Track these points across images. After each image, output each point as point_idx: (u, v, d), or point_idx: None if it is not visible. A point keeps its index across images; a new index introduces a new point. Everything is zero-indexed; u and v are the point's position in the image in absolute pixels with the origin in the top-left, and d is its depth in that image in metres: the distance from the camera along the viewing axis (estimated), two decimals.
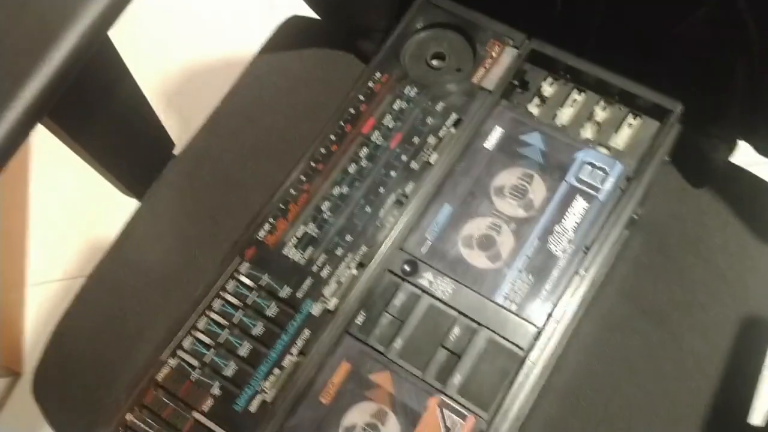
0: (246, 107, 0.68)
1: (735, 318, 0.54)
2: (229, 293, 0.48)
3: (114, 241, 0.64)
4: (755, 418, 0.52)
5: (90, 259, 1.05)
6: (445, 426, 0.43)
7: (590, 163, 0.49)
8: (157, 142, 0.67)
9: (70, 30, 0.44)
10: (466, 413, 0.44)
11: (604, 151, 0.50)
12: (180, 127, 0.72)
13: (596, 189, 0.48)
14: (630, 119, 0.51)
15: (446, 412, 0.44)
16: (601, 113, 0.51)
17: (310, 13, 0.70)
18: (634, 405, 0.51)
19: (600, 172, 0.48)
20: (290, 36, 0.72)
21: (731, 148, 0.57)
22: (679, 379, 0.52)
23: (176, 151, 0.68)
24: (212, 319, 0.47)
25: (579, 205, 0.48)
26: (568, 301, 0.45)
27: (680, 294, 0.55)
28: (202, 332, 0.47)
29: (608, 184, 0.48)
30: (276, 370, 0.45)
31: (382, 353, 0.45)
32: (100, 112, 0.57)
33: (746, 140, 0.56)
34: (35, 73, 0.43)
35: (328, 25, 0.71)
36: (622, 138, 0.50)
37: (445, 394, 0.44)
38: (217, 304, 0.47)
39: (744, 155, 0.58)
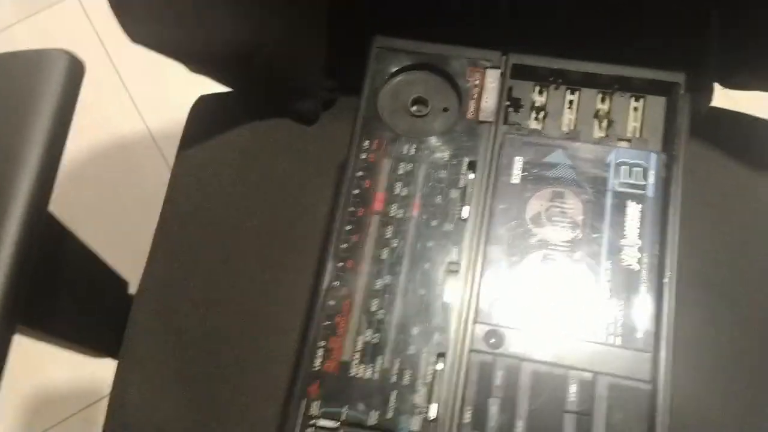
0: (192, 212, 0.60)
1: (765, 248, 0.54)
2: None
3: (108, 410, 0.55)
4: None
5: None
6: None
7: (624, 163, 0.46)
8: (112, 288, 0.58)
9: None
10: None
11: (627, 144, 0.47)
12: (121, 259, 0.63)
13: (642, 187, 0.45)
14: (634, 103, 0.48)
15: None
16: (603, 107, 0.48)
17: (214, 89, 0.63)
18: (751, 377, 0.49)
19: (638, 169, 0.46)
20: (207, 118, 0.65)
21: (711, 94, 0.56)
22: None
23: (132, 290, 0.59)
24: None
25: (633, 210, 0.45)
26: (666, 312, 0.42)
27: (711, 252, 0.54)
28: None
29: (651, 178, 0.45)
30: None
31: None
32: (59, 289, 0.48)
33: (724, 83, 0.56)
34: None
35: (244, 96, 0.64)
36: (635, 125, 0.48)
37: None
38: None
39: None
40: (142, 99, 1.14)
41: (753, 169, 0.57)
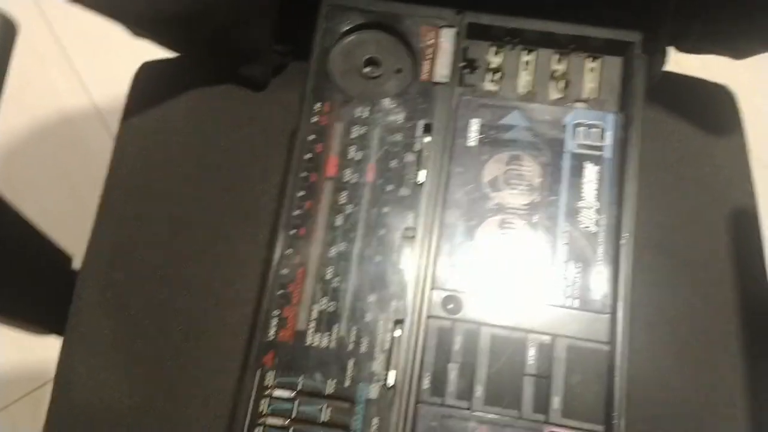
0: (137, 183, 0.58)
1: (724, 214, 0.55)
2: (267, 415, 0.40)
3: (54, 389, 0.52)
4: None
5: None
6: None
7: (581, 124, 0.45)
8: (56, 263, 0.55)
9: None
10: None
11: (584, 105, 0.46)
12: (64, 234, 0.60)
13: (599, 148, 0.45)
14: (590, 64, 0.48)
15: None
16: (560, 67, 0.48)
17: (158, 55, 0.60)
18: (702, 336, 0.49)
19: (595, 130, 0.45)
20: (151, 85, 0.62)
21: (665, 57, 0.56)
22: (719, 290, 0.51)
23: (76, 264, 0.57)
24: None
25: (590, 171, 0.44)
26: (624, 273, 0.42)
27: (667, 215, 0.54)
28: None
29: (608, 139, 0.45)
30: None
31: (467, 409, 0.40)
32: None
33: (679, 46, 0.55)
34: None
35: (190, 62, 0.62)
36: (592, 86, 0.47)
37: (552, 424, 0.40)
38: None
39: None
40: (86, 70, 1.09)
41: (708, 133, 0.57)
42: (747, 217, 0.55)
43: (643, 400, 0.45)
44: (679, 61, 0.57)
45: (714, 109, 0.59)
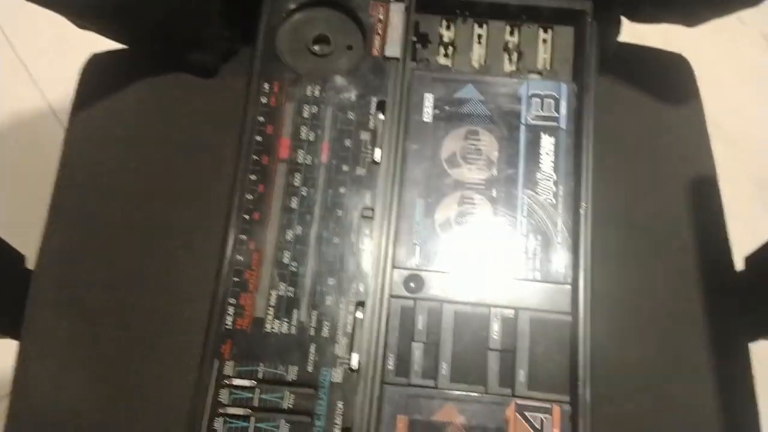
0: (89, 178, 0.56)
1: (684, 185, 0.55)
2: (228, 406, 0.38)
3: (12, 394, 0.51)
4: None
5: None
6: (535, 429, 0.39)
7: (536, 95, 0.45)
8: (9, 264, 0.53)
9: None
10: (547, 405, 0.39)
11: (537, 77, 0.46)
12: (17, 233, 0.58)
13: (555, 119, 0.44)
14: (542, 35, 0.47)
15: (528, 414, 0.39)
16: (512, 39, 0.47)
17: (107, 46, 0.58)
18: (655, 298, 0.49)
19: (550, 100, 0.44)
20: (100, 78, 0.60)
21: (619, 27, 0.56)
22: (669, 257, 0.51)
23: (31, 264, 0.55)
24: None
25: (547, 142, 0.44)
26: (583, 242, 0.42)
27: (627, 187, 0.54)
28: None
29: (563, 109, 0.44)
30: None
31: (433, 387, 0.39)
32: None
33: (631, 16, 0.55)
34: None
35: (139, 52, 0.60)
36: (545, 57, 0.47)
37: (518, 397, 0.39)
38: (221, 427, 0.38)
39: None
40: (35, 65, 1.06)
41: (666, 103, 0.57)
42: (707, 185, 0.55)
43: (607, 372, 0.45)
44: (641, 36, 0.56)
45: (670, 79, 0.59)
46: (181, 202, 0.54)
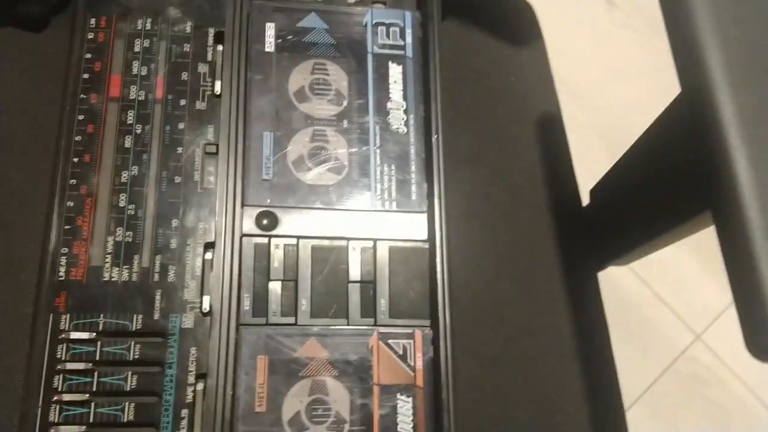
0: None
1: (532, 123, 0.56)
2: (66, 361, 0.35)
3: None
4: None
5: None
6: (399, 355, 0.38)
7: (381, 23, 0.44)
8: None
9: None
10: (409, 331, 0.38)
11: (381, 6, 0.45)
12: None
13: (401, 47, 0.43)
14: None
15: (391, 342, 0.38)
16: None
17: None
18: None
19: (395, 29, 0.44)
20: None
21: None
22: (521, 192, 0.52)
23: None
24: (67, 404, 0.34)
25: (395, 71, 0.43)
26: (437, 170, 0.41)
27: (479, 126, 0.54)
28: (62, 424, 0.34)
29: (408, 37, 0.44)
30: (184, 412, 0.35)
31: (293, 324, 0.37)
32: None
33: None
34: None
35: None
36: None
37: (381, 326, 0.38)
38: (60, 383, 0.34)
39: None
40: None
41: (510, 44, 0.58)
42: (553, 123, 0.57)
43: (465, 305, 0.45)
44: None
45: (513, 20, 0.60)
46: (11, 161, 0.49)
